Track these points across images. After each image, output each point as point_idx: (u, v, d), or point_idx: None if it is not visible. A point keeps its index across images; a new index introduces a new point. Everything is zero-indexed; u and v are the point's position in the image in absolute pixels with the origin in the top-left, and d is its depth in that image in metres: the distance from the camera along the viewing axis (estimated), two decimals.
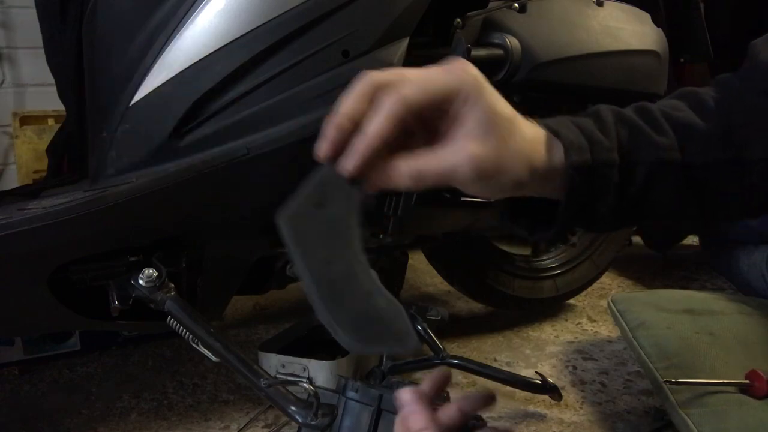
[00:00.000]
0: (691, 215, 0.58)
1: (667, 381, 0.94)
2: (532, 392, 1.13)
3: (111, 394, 1.21)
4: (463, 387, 1.22)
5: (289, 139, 0.92)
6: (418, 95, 0.45)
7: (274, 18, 0.93)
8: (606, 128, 0.53)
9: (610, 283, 1.80)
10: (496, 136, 0.47)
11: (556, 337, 1.46)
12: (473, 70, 0.47)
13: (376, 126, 0.44)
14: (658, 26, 1.34)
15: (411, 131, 0.48)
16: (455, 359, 1.18)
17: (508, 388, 1.14)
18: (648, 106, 0.57)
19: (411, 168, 0.46)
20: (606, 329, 1.49)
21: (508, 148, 0.48)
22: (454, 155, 0.46)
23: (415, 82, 0.46)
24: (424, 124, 0.48)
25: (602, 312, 1.58)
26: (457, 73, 0.47)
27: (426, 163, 0.46)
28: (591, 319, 1.56)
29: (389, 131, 0.45)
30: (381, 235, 1.17)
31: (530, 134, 0.50)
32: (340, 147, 0.46)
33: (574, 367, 1.28)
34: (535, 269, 1.53)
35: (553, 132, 0.51)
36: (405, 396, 0.55)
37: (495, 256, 1.49)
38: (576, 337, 1.45)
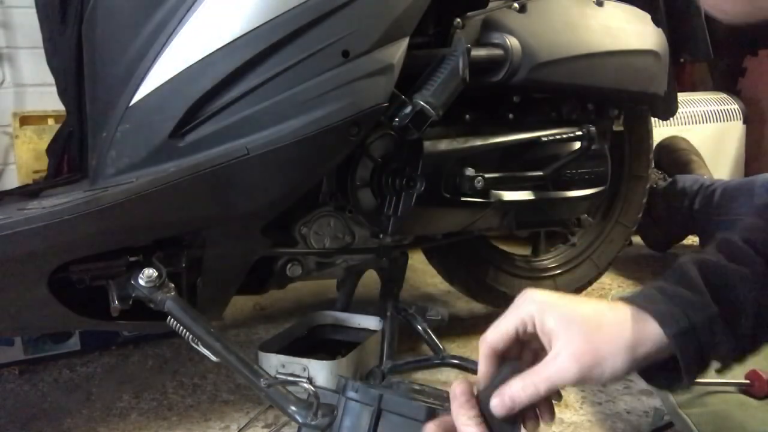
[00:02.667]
0: None
1: None
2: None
3: (111, 394, 1.21)
4: None
5: (289, 139, 0.92)
6: (495, 335, 0.58)
7: (274, 18, 0.93)
8: (693, 284, 0.55)
9: (610, 283, 1.80)
10: (583, 332, 0.53)
11: None
12: (535, 294, 0.58)
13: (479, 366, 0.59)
14: (658, 26, 1.34)
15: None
16: (455, 359, 1.18)
17: None
18: (728, 239, 0.59)
19: (525, 386, 0.55)
20: None
21: (601, 338, 0.53)
22: (558, 363, 0.53)
23: (494, 326, 0.58)
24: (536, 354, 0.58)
25: None
26: (519, 304, 0.58)
27: (538, 377, 0.54)
28: None
29: (486, 367, 0.58)
30: (381, 235, 1.17)
31: (620, 318, 0.55)
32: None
33: None
34: (535, 269, 1.53)
35: (643, 308, 0.55)
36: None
37: (495, 256, 1.49)
38: None
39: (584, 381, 0.54)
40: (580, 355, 0.53)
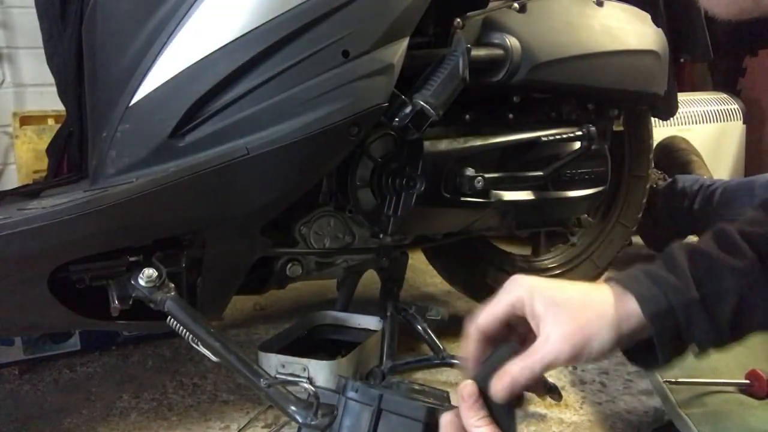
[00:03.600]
0: None
1: (667, 381, 0.94)
2: (532, 392, 1.13)
3: (111, 394, 1.21)
4: None
5: (289, 139, 0.92)
6: (486, 318, 0.59)
7: (274, 18, 0.93)
8: (678, 269, 0.57)
9: None
10: (571, 313, 0.56)
11: None
12: (523, 280, 0.59)
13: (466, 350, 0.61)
14: (658, 26, 1.34)
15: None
16: (455, 359, 1.18)
17: None
18: (725, 229, 0.60)
19: (522, 367, 0.56)
20: None
21: (588, 317, 0.56)
22: (550, 344, 0.55)
23: (484, 310, 0.60)
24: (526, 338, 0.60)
25: None
26: (509, 289, 0.59)
27: (532, 358, 0.56)
28: None
29: (476, 351, 0.60)
30: (381, 235, 1.17)
31: (604, 298, 0.57)
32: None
33: (574, 367, 1.28)
34: (535, 269, 1.53)
35: (625, 287, 0.57)
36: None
37: (495, 256, 1.49)
38: None
39: (576, 359, 0.56)
40: (570, 336, 0.55)
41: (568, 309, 0.56)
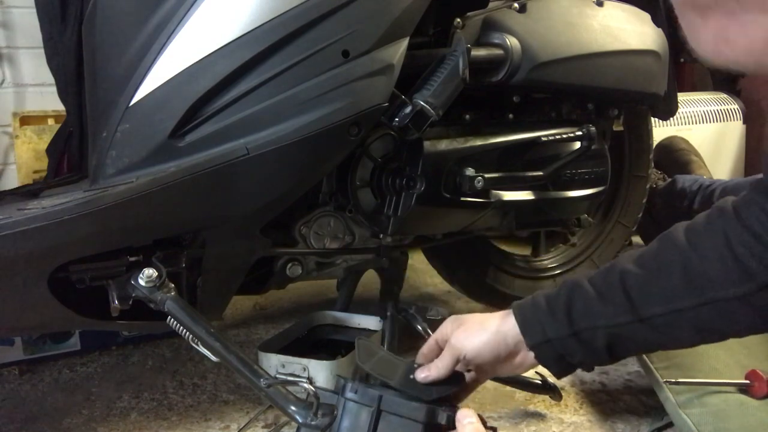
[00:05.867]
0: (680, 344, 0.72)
1: (667, 381, 0.94)
2: (532, 392, 1.13)
3: (111, 394, 1.21)
4: None
5: (289, 139, 0.92)
6: (424, 348, 0.78)
7: (274, 18, 0.93)
8: (559, 306, 0.69)
9: None
10: (459, 320, 0.74)
11: None
12: (453, 317, 0.76)
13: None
14: (658, 26, 1.34)
15: None
16: None
17: (508, 388, 1.14)
18: (613, 268, 0.70)
19: (439, 361, 0.73)
20: None
21: (471, 321, 0.74)
22: (450, 342, 0.73)
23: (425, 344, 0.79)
24: None
25: None
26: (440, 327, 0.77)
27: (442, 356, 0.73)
28: None
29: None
30: (381, 235, 1.17)
31: (495, 314, 0.73)
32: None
33: None
34: (535, 269, 1.53)
35: (514, 314, 0.71)
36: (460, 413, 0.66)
37: (495, 256, 1.49)
38: None
39: (467, 351, 0.71)
40: (459, 332, 0.72)
41: (459, 319, 0.75)
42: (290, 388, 0.81)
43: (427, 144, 1.07)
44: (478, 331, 0.71)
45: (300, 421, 0.76)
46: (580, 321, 0.67)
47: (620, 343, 0.68)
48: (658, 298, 0.65)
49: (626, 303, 0.66)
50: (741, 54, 0.30)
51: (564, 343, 0.68)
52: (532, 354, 0.70)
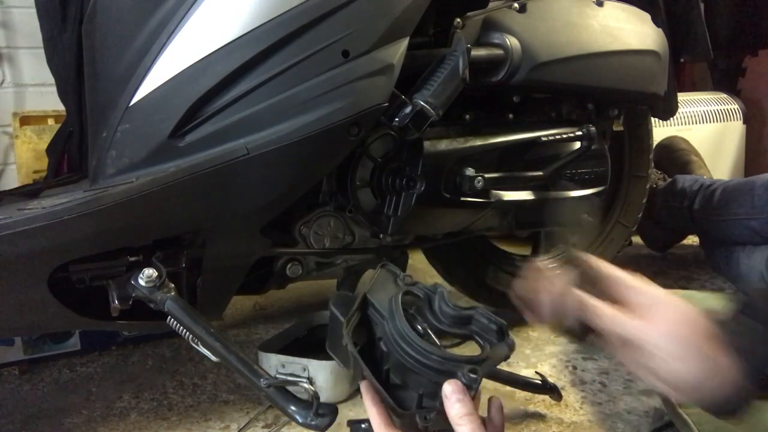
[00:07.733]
0: None
1: None
2: (532, 392, 1.13)
3: (111, 394, 1.21)
4: None
5: (289, 139, 0.92)
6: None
7: (274, 18, 0.93)
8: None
9: None
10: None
11: (556, 337, 1.46)
12: None
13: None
14: (658, 26, 1.34)
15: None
16: None
17: (508, 388, 1.14)
18: None
19: (612, 316, 0.65)
20: None
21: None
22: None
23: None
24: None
25: None
26: None
27: (623, 321, 0.64)
28: None
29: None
30: (381, 235, 1.17)
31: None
32: None
33: (574, 367, 1.28)
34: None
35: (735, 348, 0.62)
36: (447, 387, 0.62)
37: (495, 256, 1.49)
38: None
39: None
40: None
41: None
42: (290, 388, 0.81)
43: (427, 144, 1.07)
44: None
45: (300, 421, 0.76)
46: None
47: None
48: None
49: None
50: None
51: None
52: None
